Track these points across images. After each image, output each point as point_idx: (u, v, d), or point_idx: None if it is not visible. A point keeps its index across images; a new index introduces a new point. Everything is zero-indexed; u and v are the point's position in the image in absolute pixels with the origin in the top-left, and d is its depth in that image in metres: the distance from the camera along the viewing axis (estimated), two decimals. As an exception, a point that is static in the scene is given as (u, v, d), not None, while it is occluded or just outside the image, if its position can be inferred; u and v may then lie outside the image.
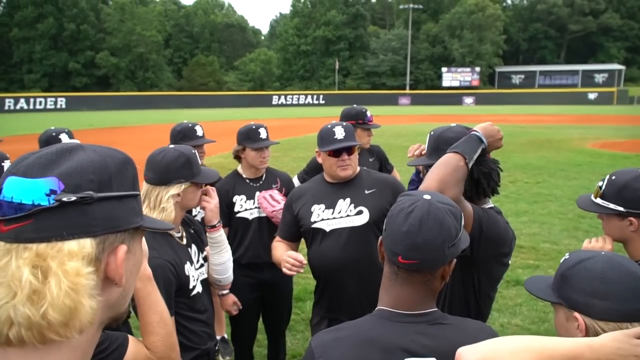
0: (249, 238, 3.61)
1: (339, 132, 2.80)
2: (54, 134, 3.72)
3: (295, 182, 4.05)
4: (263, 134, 3.56)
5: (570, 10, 75.83)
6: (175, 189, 2.30)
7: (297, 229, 2.92)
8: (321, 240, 2.81)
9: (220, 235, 2.67)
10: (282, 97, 59.57)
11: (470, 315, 2.06)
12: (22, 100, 48.45)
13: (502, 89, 67.35)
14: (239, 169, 3.73)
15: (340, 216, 2.79)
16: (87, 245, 0.78)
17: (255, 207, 3.61)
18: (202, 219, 2.79)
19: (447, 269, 1.41)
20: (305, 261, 2.70)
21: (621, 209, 1.97)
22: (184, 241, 2.45)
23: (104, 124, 30.81)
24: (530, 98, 57.31)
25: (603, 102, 54.31)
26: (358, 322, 1.45)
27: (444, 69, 70.09)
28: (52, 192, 0.76)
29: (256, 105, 54.16)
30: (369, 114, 4.15)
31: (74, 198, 0.76)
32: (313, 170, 3.93)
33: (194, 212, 3.47)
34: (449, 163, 1.83)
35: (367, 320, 1.45)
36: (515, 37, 78.65)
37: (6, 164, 2.42)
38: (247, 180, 3.66)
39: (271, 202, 3.53)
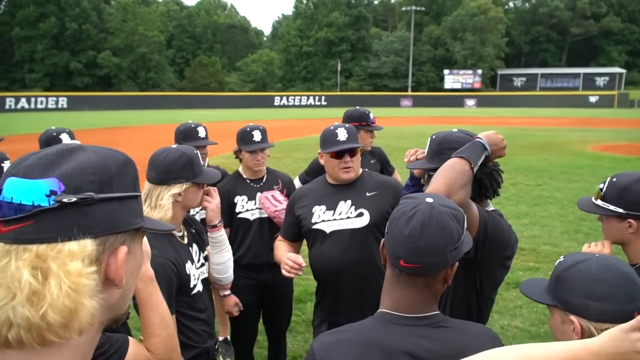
0: (250, 239, 3.61)
1: (342, 134, 2.80)
2: (54, 133, 3.71)
3: (297, 183, 4.06)
4: (257, 136, 3.53)
5: (572, 13, 75.86)
6: (176, 189, 2.32)
7: (298, 229, 2.92)
8: (321, 241, 2.82)
9: (221, 235, 2.68)
10: (284, 98, 59.54)
11: (471, 317, 2.06)
12: (24, 99, 48.42)
13: (504, 91, 67.31)
14: (240, 169, 3.74)
15: (341, 218, 2.80)
16: (87, 246, 0.77)
17: (257, 208, 3.61)
18: (202, 220, 2.80)
19: (450, 272, 1.41)
20: (304, 264, 2.70)
21: (621, 210, 1.98)
22: (185, 240, 2.47)
23: (105, 124, 30.83)
24: (531, 101, 57.24)
25: (604, 105, 54.25)
26: (360, 324, 1.45)
27: (445, 71, 70.10)
28: (53, 193, 0.75)
29: (258, 106, 54.14)
30: (372, 116, 4.14)
31: (74, 199, 0.76)
32: (314, 171, 3.93)
33: (192, 212, 3.47)
34: (454, 167, 1.83)
35: (369, 322, 1.44)
36: (517, 40, 78.65)
37: (6, 165, 2.42)
38: (248, 181, 3.67)
39: (273, 202, 3.53)
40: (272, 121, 30.95)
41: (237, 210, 3.60)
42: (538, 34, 78.68)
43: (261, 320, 3.89)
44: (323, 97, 60.44)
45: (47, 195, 0.75)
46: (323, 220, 2.82)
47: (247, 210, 3.61)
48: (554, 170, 13.34)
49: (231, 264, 2.79)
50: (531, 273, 6.01)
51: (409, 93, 65.20)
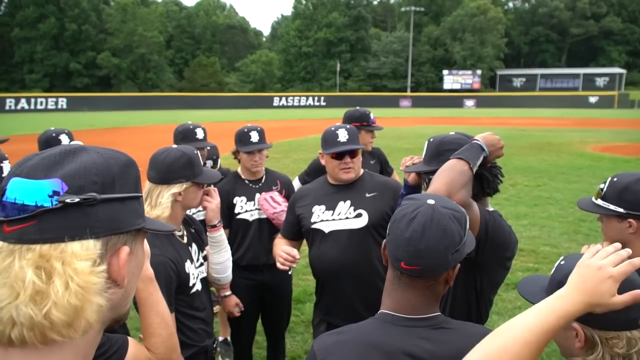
0: (249, 239, 3.61)
1: (342, 135, 2.81)
2: (53, 134, 3.70)
3: (296, 183, 4.06)
4: (254, 137, 3.52)
5: (572, 13, 75.92)
6: (176, 188, 2.34)
7: (298, 228, 2.94)
8: (320, 241, 2.83)
9: (220, 235, 2.71)
10: (283, 98, 59.53)
11: (470, 318, 2.07)
12: (23, 100, 48.41)
13: (503, 92, 67.37)
14: (239, 170, 3.74)
15: (340, 218, 2.80)
16: (90, 246, 0.78)
17: (256, 209, 3.61)
18: (202, 221, 2.81)
19: (451, 274, 1.41)
20: (298, 256, 2.72)
21: (621, 210, 1.98)
22: (185, 240, 2.49)
23: (105, 124, 30.83)
24: (531, 101, 57.26)
25: (604, 105, 54.27)
26: (360, 325, 1.45)
27: (445, 72, 70.13)
28: (55, 193, 0.76)
29: (257, 106, 54.13)
30: (372, 116, 4.14)
31: (77, 199, 0.77)
32: (314, 171, 3.93)
33: (192, 213, 3.47)
34: (454, 167, 1.83)
35: (370, 323, 1.44)
36: (517, 40, 78.71)
37: (5, 165, 2.42)
38: (247, 182, 3.66)
39: (272, 203, 3.53)
40: (271, 121, 30.96)
41: (236, 211, 3.60)
42: (538, 34, 78.73)
43: (260, 320, 3.89)
44: (322, 98, 60.42)
45: (50, 196, 0.76)
46: (322, 220, 2.83)
47: (246, 211, 3.61)
48: (553, 171, 13.35)
49: (230, 264, 2.81)
50: (530, 274, 5.99)
51: (408, 93, 65.21)
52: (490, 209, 2.17)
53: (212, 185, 2.69)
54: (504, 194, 10.16)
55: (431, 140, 2.28)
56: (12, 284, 0.74)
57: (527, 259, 6.64)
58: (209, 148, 3.95)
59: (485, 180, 2.10)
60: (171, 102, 53.17)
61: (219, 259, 2.72)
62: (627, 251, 1.19)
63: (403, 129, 25.36)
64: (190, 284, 2.41)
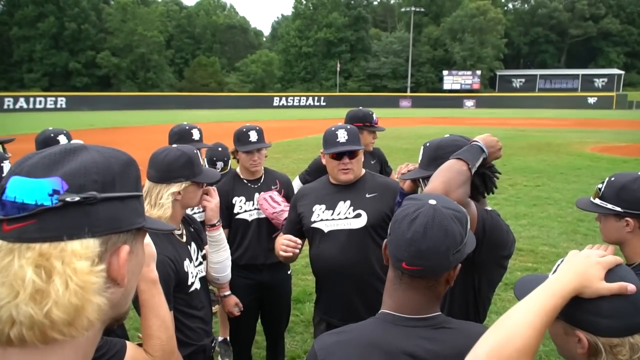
0: (248, 239, 3.62)
1: (342, 136, 2.81)
2: (52, 135, 3.68)
3: (297, 183, 4.06)
4: (253, 136, 3.52)
5: (571, 14, 76.00)
6: (175, 187, 2.35)
7: (300, 226, 2.95)
8: (319, 240, 2.84)
9: (219, 234, 2.72)
10: (283, 98, 59.58)
11: (469, 317, 2.07)
12: (22, 99, 48.33)
13: (503, 92, 67.44)
14: (238, 170, 3.74)
15: (339, 218, 2.81)
16: (90, 245, 0.78)
17: (255, 209, 3.61)
18: (202, 222, 2.81)
19: (452, 274, 1.41)
20: (300, 241, 2.75)
21: (619, 209, 2.00)
22: (184, 239, 2.50)
23: (104, 124, 30.81)
24: (530, 102, 57.35)
25: (602, 106, 54.33)
26: (361, 325, 1.45)
27: (445, 72, 70.18)
28: (56, 192, 0.76)
29: (257, 106, 54.15)
30: (375, 116, 4.11)
31: (77, 198, 0.76)
32: (315, 171, 3.93)
33: (191, 213, 3.47)
34: (452, 167, 1.83)
35: (371, 323, 1.44)
36: (516, 41, 78.78)
37: (5, 164, 2.43)
38: (246, 182, 3.66)
39: (272, 203, 3.53)
40: (271, 121, 30.97)
41: (235, 211, 3.60)
42: (537, 35, 78.80)
43: (260, 320, 3.90)
44: (322, 98, 60.49)
45: (50, 195, 0.76)
46: (322, 220, 2.83)
47: (246, 211, 3.61)
48: (552, 171, 13.36)
49: (229, 263, 2.82)
50: (529, 274, 6.01)
51: (408, 94, 65.26)
52: (488, 208, 2.18)
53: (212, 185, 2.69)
54: (503, 194, 10.17)
55: (427, 144, 2.27)
56: (11, 282, 0.73)
57: (526, 259, 6.64)
58: (206, 149, 3.95)
59: (487, 177, 2.10)
60: (171, 102, 53.19)
61: (218, 258, 2.73)
62: (611, 247, 1.28)
63: (403, 129, 25.37)
64: (189, 283, 2.42)
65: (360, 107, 4.21)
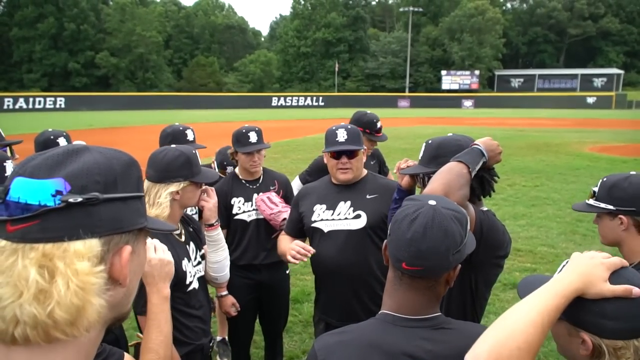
0: (247, 240, 3.62)
1: (341, 135, 2.81)
2: (52, 137, 3.64)
3: (297, 182, 4.06)
4: (253, 137, 3.51)
5: (570, 14, 76.04)
6: (174, 187, 2.35)
7: (301, 225, 2.96)
8: (319, 240, 2.85)
9: (217, 234, 2.73)
10: (282, 98, 59.61)
11: (466, 316, 2.09)
12: (21, 99, 48.34)
13: (501, 92, 67.52)
14: (236, 170, 3.74)
15: (339, 218, 2.81)
16: (92, 245, 0.78)
17: (253, 209, 3.62)
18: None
19: (452, 275, 1.41)
20: (313, 250, 2.72)
21: (611, 207, 2.04)
22: (183, 238, 2.51)
23: (103, 124, 30.80)
24: (529, 102, 57.39)
25: (602, 106, 54.39)
26: (361, 325, 1.45)
27: (443, 72, 70.20)
28: (58, 192, 0.77)
29: (256, 106, 54.19)
30: (379, 124, 4.00)
31: (80, 199, 0.77)
32: (316, 171, 3.93)
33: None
34: (452, 170, 1.84)
35: (371, 323, 1.45)
36: (515, 41, 78.80)
37: (8, 165, 2.44)
38: (245, 182, 3.67)
39: (269, 204, 3.53)
40: (269, 121, 30.96)
41: (234, 211, 3.61)
42: (536, 35, 78.84)
43: (258, 320, 3.90)
44: (321, 98, 60.54)
45: (53, 195, 0.76)
46: (322, 219, 2.84)
47: (244, 211, 3.62)
48: (551, 171, 13.38)
49: (227, 263, 2.82)
50: (528, 274, 6.02)
51: (407, 94, 65.31)
52: (484, 208, 2.18)
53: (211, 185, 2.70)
54: (502, 194, 10.18)
55: (429, 142, 2.28)
56: (15, 282, 0.74)
57: (525, 259, 6.65)
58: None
59: (485, 181, 2.11)
60: (170, 102, 53.20)
61: (216, 257, 2.73)
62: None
63: (401, 129, 25.37)
64: (187, 282, 2.43)
65: (368, 112, 4.09)
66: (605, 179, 2.11)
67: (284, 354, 4.15)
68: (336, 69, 69.96)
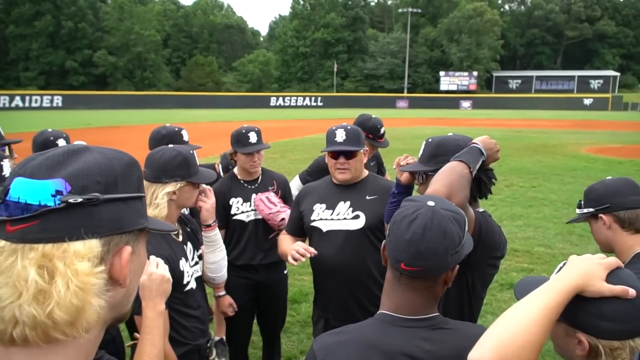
0: (245, 240, 3.62)
1: (340, 135, 2.80)
2: (51, 137, 3.57)
3: (297, 182, 4.06)
4: (253, 137, 3.52)
5: (567, 16, 76.23)
6: (171, 187, 2.35)
7: (302, 225, 2.96)
8: (318, 239, 2.85)
9: (215, 235, 2.71)
10: (280, 98, 59.61)
11: (463, 316, 2.10)
12: (18, 98, 48.13)
13: (499, 93, 67.64)
14: (235, 171, 3.74)
15: (338, 218, 2.82)
16: (92, 246, 0.78)
17: (252, 210, 3.62)
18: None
19: (450, 275, 1.42)
20: (315, 252, 2.70)
21: (592, 210, 2.18)
22: (180, 238, 2.51)
23: (101, 123, 30.73)
24: (526, 103, 57.50)
25: (598, 107, 54.54)
26: (360, 325, 1.46)
27: (441, 73, 70.27)
28: (59, 193, 0.76)
29: (254, 106, 54.14)
30: (382, 130, 3.95)
31: (80, 199, 0.77)
32: (316, 171, 3.92)
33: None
34: (454, 170, 1.84)
35: (370, 324, 1.45)
36: (513, 43, 78.93)
37: (5, 163, 2.43)
38: (243, 183, 3.67)
39: (268, 204, 3.53)
40: (268, 121, 30.93)
41: (232, 212, 3.61)
42: (533, 37, 78.99)
43: (256, 320, 3.90)
44: (319, 98, 60.56)
45: (53, 196, 0.76)
46: (321, 219, 2.85)
47: (242, 212, 3.62)
48: (548, 172, 13.40)
49: (225, 264, 2.82)
50: (525, 274, 6.04)
51: (405, 94, 65.37)
52: (481, 209, 2.19)
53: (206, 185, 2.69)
54: (499, 195, 10.20)
55: (429, 140, 2.29)
56: (14, 283, 0.74)
57: (522, 260, 6.66)
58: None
59: (482, 183, 2.12)
60: (168, 101, 53.14)
61: (213, 258, 2.73)
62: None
63: (400, 130, 25.36)
64: (185, 282, 2.43)
65: (373, 116, 3.99)
66: (586, 188, 2.27)
67: (281, 354, 4.15)
68: (335, 69, 70.00)
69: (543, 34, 78.40)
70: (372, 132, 3.85)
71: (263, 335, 3.99)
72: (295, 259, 2.66)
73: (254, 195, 3.61)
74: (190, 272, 2.49)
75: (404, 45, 70.66)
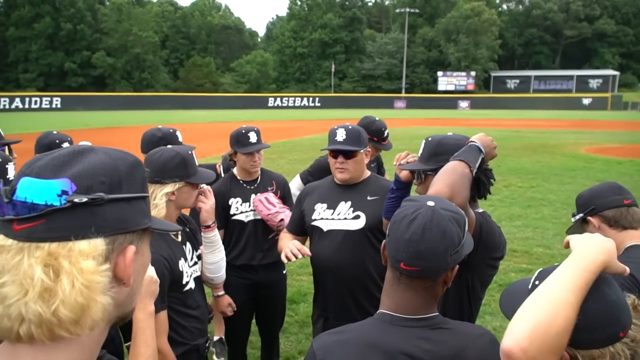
0: (244, 240, 3.63)
1: (340, 135, 2.80)
2: (57, 140, 3.58)
3: (297, 181, 4.06)
4: (253, 137, 3.52)
5: (566, 15, 76.29)
6: (169, 188, 2.35)
7: (303, 223, 2.97)
8: (318, 238, 2.86)
9: (214, 235, 2.72)
10: (278, 99, 59.66)
11: (462, 316, 2.10)
12: (17, 99, 48.21)
13: (497, 93, 67.68)
14: (234, 171, 3.74)
15: (339, 218, 2.82)
16: (97, 245, 0.79)
17: (251, 210, 3.62)
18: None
19: (450, 275, 1.42)
20: (309, 253, 2.69)
21: (581, 214, 2.31)
22: (179, 238, 2.51)
23: (99, 124, 30.72)
24: (525, 103, 57.59)
25: (597, 107, 54.62)
26: (360, 325, 1.46)
27: (439, 73, 70.36)
28: (64, 193, 0.78)
29: (252, 107, 54.19)
30: (386, 132, 3.93)
31: (85, 199, 0.78)
32: (318, 171, 3.92)
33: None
34: (455, 169, 1.84)
35: (369, 323, 1.45)
36: (511, 42, 79.02)
37: (10, 167, 2.44)
38: (242, 183, 3.67)
39: (267, 205, 3.54)
40: (266, 122, 30.93)
41: (231, 212, 3.61)
42: (531, 36, 79.07)
43: (254, 320, 3.90)
44: (317, 99, 60.63)
45: (59, 195, 0.77)
46: (322, 218, 2.85)
47: (242, 212, 3.62)
48: (547, 172, 13.41)
49: (223, 264, 2.82)
50: (524, 275, 6.04)
51: (403, 95, 65.43)
52: (480, 210, 2.19)
53: (207, 186, 2.69)
54: (498, 195, 10.20)
55: (429, 139, 2.29)
56: (21, 281, 0.75)
57: (521, 260, 6.66)
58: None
59: (481, 183, 2.12)
60: (166, 102, 53.18)
61: (212, 259, 2.73)
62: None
63: (398, 130, 25.35)
64: (184, 282, 2.43)
65: (377, 118, 3.97)
66: (576, 197, 2.41)
67: (280, 354, 4.15)
68: (332, 70, 70.04)
69: (541, 34, 78.47)
70: (376, 135, 3.82)
71: (262, 335, 3.99)
72: (287, 258, 2.65)
73: (253, 196, 3.61)
74: (189, 272, 2.49)
75: (402, 45, 70.67)
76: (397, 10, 79.26)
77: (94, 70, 68.17)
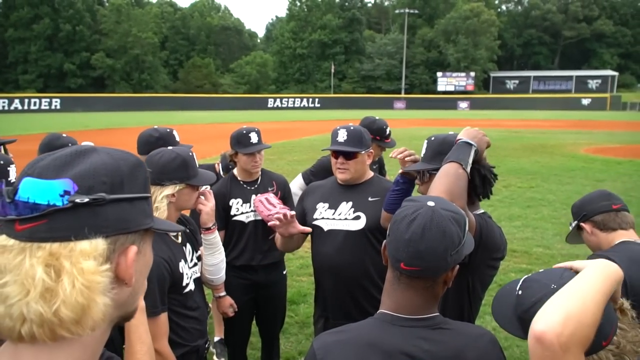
0: (245, 241, 3.63)
1: (342, 135, 2.81)
2: (69, 144, 3.45)
3: (299, 180, 4.06)
4: (254, 138, 3.53)
5: (565, 16, 76.38)
6: (169, 189, 2.34)
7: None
8: (318, 238, 2.87)
9: (214, 237, 2.72)
10: (278, 100, 59.66)
11: (462, 316, 2.11)
12: (17, 100, 48.20)
13: (497, 94, 67.71)
14: (235, 172, 3.74)
15: (339, 218, 2.82)
16: (99, 245, 0.79)
17: (251, 211, 3.62)
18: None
19: (450, 275, 1.42)
20: (293, 213, 2.77)
21: (576, 222, 2.44)
22: (179, 239, 2.51)
23: (99, 125, 30.70)
24: (524, 103, 57.60)
25: (596, 107, 54.65)
26: (360, 324, 1.47)
27: (439, 74, 70.37)
28: (66, 193, 0.78)
29: (252, 107, 54.16)
30: (388, 130, 3.91)
31: (86, 199, 0.78)
32: (320, 171, 3.92)
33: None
34: (449, 173, 1.85)
35: (369, 323, 1.46)
36: (510, 43, 79.10)
37: (11, 169, 2.45)
38: (243, 184, 3.67)
39: (267, 205, 3.53)
40: (265, 123, 30.91)
41: (232, 213, 3.61)
42: (530, 37, 79.15)
43: (254, 321, 3.90)
44: (317, 99, 60.60)
45: (61, 195, 0.78)
46: (323, 218, 2.85)
47: (242, 213, 3.62)
48: (546, 173, 13.42)
49: (223, 266, 2.82)
50: (523, 275, 6.03)
51: (402, 95, 65.42)
52: (480, 210, 2.20)
53: (208, 187, 2.69)
54: (497, 196, 10.20)
55: (432, 138, 2.30)
56: (22, 281, 0.76)
57: (520, 260, 6.66)
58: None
59: (487, 182, 2.13)
60: (165, 103, 53.17)
61: (212, 260, 2.73)
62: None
63: (397, 131, 25.25)
64: (184, 284, 2.43)
65: (377, 118, 3.95)
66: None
67: (280, 355, 4.15)
68: (332, 71, 70.05)
69: (540, 34, 78.56)
70: (378, 134, 3.81)
71: (262, 336, 3.99)
72: (279, 220, 2.69)
73: (253, 196, 3.61)
74: (189, 273, 2.49)
75: (401, 46, 70.70)
76: (397, 11, 79.30)
77: (93, 71, 68.16)
